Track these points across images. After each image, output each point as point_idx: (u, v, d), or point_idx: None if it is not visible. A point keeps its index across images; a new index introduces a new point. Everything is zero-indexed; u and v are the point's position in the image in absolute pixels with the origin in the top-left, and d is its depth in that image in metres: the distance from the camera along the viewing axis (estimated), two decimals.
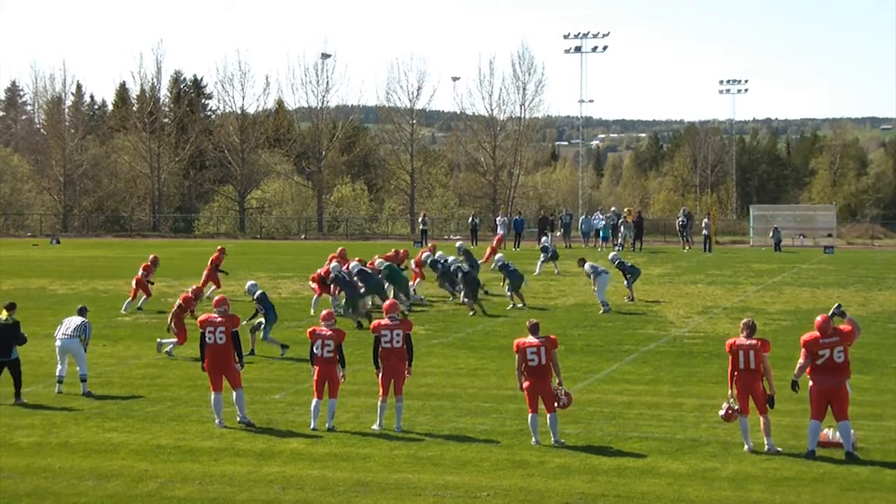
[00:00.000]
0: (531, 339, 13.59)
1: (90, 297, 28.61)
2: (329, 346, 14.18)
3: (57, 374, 16.71)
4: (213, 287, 28.42)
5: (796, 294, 29.68)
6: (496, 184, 72.49)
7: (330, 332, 14.26)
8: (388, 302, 15.14)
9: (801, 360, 13.06)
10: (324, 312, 14.70)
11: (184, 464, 12.66)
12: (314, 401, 14.24)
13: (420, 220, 53.64)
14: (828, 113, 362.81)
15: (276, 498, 11.44)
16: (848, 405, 12.86)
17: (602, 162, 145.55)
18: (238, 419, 14.48)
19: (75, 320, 16.98)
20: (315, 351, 14.27)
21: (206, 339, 14.51)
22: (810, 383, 12.99)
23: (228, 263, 31.58)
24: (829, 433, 13.22)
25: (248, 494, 11.55)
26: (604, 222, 48.20)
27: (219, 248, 30.17)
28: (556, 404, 13.56)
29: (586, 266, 26.48)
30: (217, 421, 14.41)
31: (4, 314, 15.91)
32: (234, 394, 14.51)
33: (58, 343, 16.77)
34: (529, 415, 13.52)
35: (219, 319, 14.52)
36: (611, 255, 29.73)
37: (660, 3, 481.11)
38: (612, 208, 53.84)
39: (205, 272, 28.90)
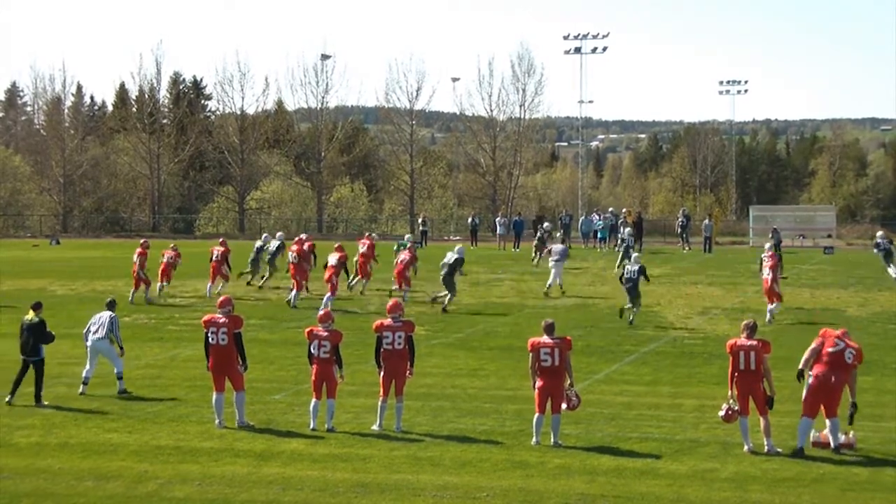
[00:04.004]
0: (546, 339, 13.56)
1: (90, 297, 28.57)
2: (325, 347, 14.15)
3: (83, 374, 16.73)
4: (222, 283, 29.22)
5: (796, 294, 29.65)
6: (496, 184, 72.46)
7: (326, 333, 14.23)
8: (391, 301, 15.01)
9: (812, 346, 13.11)
10: (321, 313, 14.69)
11: (184, 464, 12.66)
12: (313, 401, 14.24)
13: (420, 220, 53.64)
14: (828, 113, 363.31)
15: (275, 499, 11.44)
16: (838, 404, 12.93)
17: (602, 162, 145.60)
18: (237, 423, 14.44)
19: (104, 317, 16.95)
20: (312, 351, 14.27)
21: (209, 339, 14.49)
22: (810, 378, 13.01)
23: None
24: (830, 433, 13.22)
25: (248, 495, 11.55)
26: (602, 223, 48.18)
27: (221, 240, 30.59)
28: (566, 405, 13.55)
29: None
30: (217, 421, 14.40)
31: (31, 314, 16.01)
32: (235, 396, 14.50)
33: (88, 344, 16.82)
34: (536, 415, 13.51)
35: (221, 320, 14.49)
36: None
37: (659, 4, 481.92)
38: (610, 209, 53.79)
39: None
